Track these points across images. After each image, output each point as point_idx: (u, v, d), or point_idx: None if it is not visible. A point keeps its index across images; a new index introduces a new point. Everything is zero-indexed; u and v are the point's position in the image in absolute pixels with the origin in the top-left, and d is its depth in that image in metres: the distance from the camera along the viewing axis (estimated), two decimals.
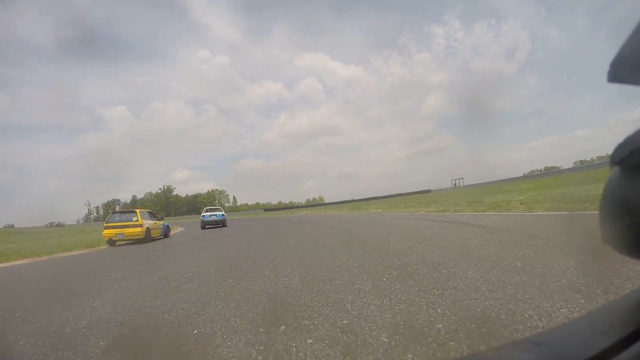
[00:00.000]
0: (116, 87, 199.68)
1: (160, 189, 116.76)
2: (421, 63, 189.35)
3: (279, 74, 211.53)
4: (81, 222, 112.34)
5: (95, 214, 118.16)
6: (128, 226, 11.16)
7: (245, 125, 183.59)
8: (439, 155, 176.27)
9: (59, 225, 77.83)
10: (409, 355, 1.44)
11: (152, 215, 13.09)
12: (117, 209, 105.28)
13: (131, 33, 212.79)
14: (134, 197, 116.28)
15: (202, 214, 19.11)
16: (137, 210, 11.76)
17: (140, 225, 11.27)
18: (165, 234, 13.87)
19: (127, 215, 11.72)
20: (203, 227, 18.16)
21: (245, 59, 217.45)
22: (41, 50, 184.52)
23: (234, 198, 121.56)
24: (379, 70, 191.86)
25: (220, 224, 18.67)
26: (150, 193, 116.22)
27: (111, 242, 11.21)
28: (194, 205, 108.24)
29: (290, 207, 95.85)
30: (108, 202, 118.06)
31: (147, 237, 11.44)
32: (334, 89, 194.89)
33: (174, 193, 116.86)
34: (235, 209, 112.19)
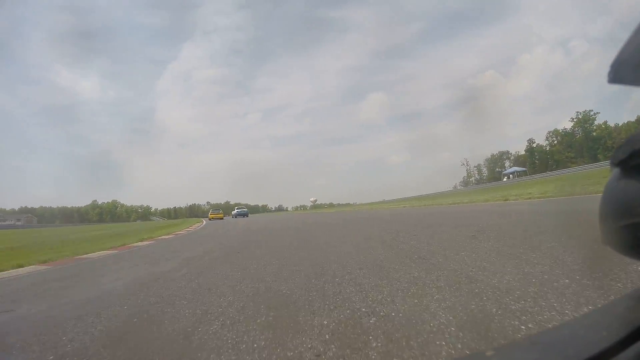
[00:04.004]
0: (477, 55, 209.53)
1: (572, 118, 72.11)
2: None
3: None
4: (459, 187, 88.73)
5: (476, 175, 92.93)
6: (219, 213, 33.51)
7: None
8: None
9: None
10: None
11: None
12: (507, 163, 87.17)
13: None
14: (529, 140, 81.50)
15: (234, 210, 36.89)
16: (220, 209, 38.12)
17: (222, 213, 34.74)
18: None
19: (217, 210, 35.07)
20: (235, 217, 32.99)
21: None
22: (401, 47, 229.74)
23: None
24: None
25: (245, 215, 33.96)
26: (556, 131, 76.29)
27: (211, 220, 28.08)
28: None
29: None
30: (493, 155, 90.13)
31: (222, 219, 31.04)
32: None
33: (597, 122, 69.06)
34: None
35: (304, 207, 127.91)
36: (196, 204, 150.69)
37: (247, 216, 33.50)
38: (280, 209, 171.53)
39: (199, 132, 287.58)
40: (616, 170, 0.55)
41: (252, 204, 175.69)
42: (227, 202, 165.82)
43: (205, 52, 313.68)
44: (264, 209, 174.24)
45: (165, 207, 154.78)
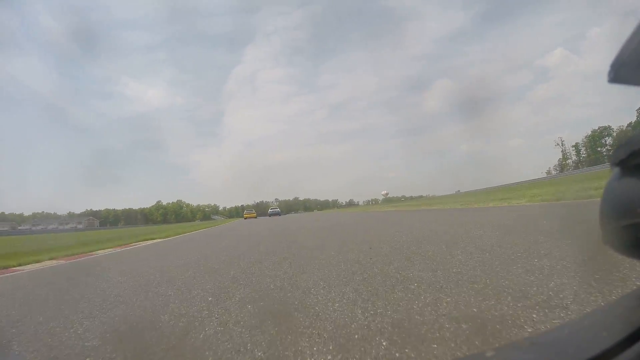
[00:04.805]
0: (542, 32, 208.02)
1: None
2: None
3: None
4: (553, 172, 79.75)
5: (574, 156, 79.20)
6: (252, 213, 38.72)
7: None
8: None
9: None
10: None
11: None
12: (608, 140, 71.96)
13: None
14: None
15: (269, 210, 40.58)
16: (253, 210, 44.59)
17: (255, 213, 39.50)
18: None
19: (250, 210, 41.20)
20: (270, 216, 35.68)
21: None
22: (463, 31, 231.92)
23: None
24: None
25: (278, 215, 37.01)
26: None
27: (245, 219, 33.06)
28: None
29: None
30: (593, 132, 74.79)
31: (256, 217, 36.52)
32: None
33: None
34: None
35: (375, 201, 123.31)
36: (264, 201, 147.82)
37: (280, 215, 37.23)
38: (351, 203, 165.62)
39: (267, 131, 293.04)
40: (616, 170, 0.54)
41: (321, 199, 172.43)
42: (296, 198, 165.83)
43: (268, 54, 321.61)
44: (334, 204, 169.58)
45: (233, 205, 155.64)
